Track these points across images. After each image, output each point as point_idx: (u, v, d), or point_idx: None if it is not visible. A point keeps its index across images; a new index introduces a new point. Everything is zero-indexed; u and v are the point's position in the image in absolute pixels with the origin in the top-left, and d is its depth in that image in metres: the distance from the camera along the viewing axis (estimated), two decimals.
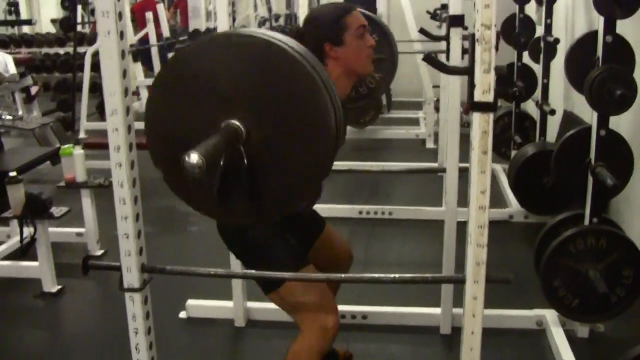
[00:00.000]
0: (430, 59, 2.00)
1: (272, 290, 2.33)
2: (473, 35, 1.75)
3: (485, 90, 1.77)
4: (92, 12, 11.90)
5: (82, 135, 7.66)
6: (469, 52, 1.81)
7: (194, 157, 1.50)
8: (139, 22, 10.19)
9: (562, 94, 5.51)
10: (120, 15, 1.93)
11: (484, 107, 1.79)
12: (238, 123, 1.69)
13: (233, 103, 1.70)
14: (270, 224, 2.31)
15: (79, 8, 10.07)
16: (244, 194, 1.76)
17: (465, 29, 3.21)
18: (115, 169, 2.04)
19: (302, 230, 2.56)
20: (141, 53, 9.39)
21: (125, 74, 1.99)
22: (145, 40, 9.44)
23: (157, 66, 9.17)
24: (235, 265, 3.11)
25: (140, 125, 1.80)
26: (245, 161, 1.70)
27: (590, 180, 3.02)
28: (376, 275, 2.22)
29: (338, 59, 2.30)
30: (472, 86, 1.79)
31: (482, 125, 1.81)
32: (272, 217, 2.00)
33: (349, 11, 2.32)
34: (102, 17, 1.93)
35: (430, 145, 7.32)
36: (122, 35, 1.96)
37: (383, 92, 3.00)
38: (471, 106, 1.80)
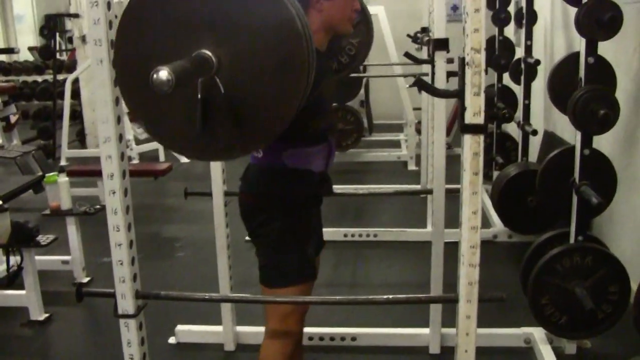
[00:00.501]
0: (421, 83, 2.03)
1: (275, 286, 2.33)
2: (463, 59, 1.78)
3: (475, 113, 1.81)
4: (70, 40, 11.90)
5: (63, 162, 7.62)
6: (458, 75, 1.84)
7: (162, 73, 1.47)
8: None
9: (542, 114, 5.60)
10: (112, 43, 1.95)
11: (474, 129, 1.82)
12: (209, 52, 1.66)
13: (203, 32, 1.68)
14: (298, 222, 2.33)
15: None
16: (226, 124, 1.75)
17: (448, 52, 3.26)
18: (109, 196, 2.05)
19: (316, 242, 2.55)
20: None
21: (117, 101, 2.00)
22: None
23: None
24: (228, 289, 3.11)
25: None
26: (222, 89, 1.68)
27: (575, 198, 3.07)
28: (370, 297, 2.26)
29: (322, 11, 2.26)
30: (462, 108, 1.82)
31: (472, 146, 1.84)
32: (257, 145, 1.99)
33: None
34: (95, 45, 1.94)
35: (411, 167, 7.38)
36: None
37: (364, 57, 3.00)
38: (462, 128, 1.84)
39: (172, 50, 1.69)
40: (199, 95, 1.68)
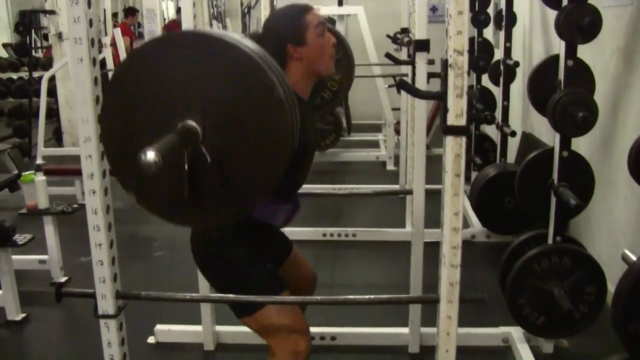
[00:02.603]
0: (404, 84, 2.04)
1: (247, 314, 2.31)
2: (446, 61, 1.79)
3: (457, 114, 1.82)
4: (45, 37, 11.81)
5: (39, 161, 7.55)
6: (441, 77, 1.85)
7: (150, 154, 1.50)
8: None
9: (520, 116, 5.64)
10: (92, 42, 1.94)
11: (456, 131, 1.83)
12: (194, 123, 1.67)
13: (188, 104, 1.68)
14: (246, 247, 2.31)
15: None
16: (214, 192, 1.75)
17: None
18: (89, 195, 2.04)
19: (273, 251, 2.56)
20: None
21: (97, 100, 1.99)
22: None
23: None
24: (208, 289, 3.10)
25: None
26: (208, 158, 1.69)
27: (553, 200, 3.09)
28: (352, 297, 2.25)
29: (301, 59, 2.26)
30: (445, 110, 1.83)
31: (454, 148, 1.85)
32: (246, 210, 1.98)
33: (307, 9, 2.29)
34: (75, 43, 1.93)
35: (390, 167, 7.40)
36: (94, 62, 1.96)
37: (346, 92, 3.02)
38: (444, 130, 1.85)
39: (158, 121, 1.70)
40: (185, 166, 1.70)
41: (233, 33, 1.78)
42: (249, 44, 1.72)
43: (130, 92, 1.75)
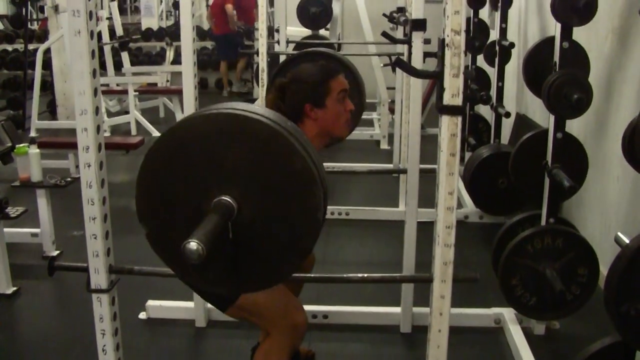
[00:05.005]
0: (401, 63, 2.03)
1: (230, 303, 2.29)
2: (443, 40, 1.79)
3: (454, 94, 1.81)
4: (41, 9, 11.72)
5: (33, 133, 7.51)
6: (437, 56, 1.85)
7: (192, 245, 1.47)
8: (216, 19, 10.47)
9: (515, 97, 5.64)
10: (90, 15, 1.92)
11: (452, 110, 1.83)
12: (230, 200, 1.65)
13: (227, 179, 1.67)
14: None
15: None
16: (225, 266, 1.74)
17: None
18: (84, 169, 2.03)
19: None
20: (220, 49, 10.72)
21: (95, 73, 1.98)
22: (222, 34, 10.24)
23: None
24: None
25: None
26: (231, 235, 1.68)
27: (547, 181, 3.10)
28: (345, 275, 2.25)
29: (317, 119, 2.34)
30: (441, 89, 1.83)
31: (450, 127, 1.85)
32: (250, 290, 2.01)
33: (334, 75, 2.36)
34: (73, 16, 1.92)
35: (384, 146, 7.41)
36: (92, 35, 1.95)
37: (354, 126, 3.05)
38: (440, 109, 1.84)
39: (193, 194, 1.69)
40: (230, 235, 1.68)
41: (273, 113, 1.74)
42: (289, 128, 1.69)
43: (169, 160, 1.72)
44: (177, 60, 9.55)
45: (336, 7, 7.64)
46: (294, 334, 2.31)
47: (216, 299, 2.36)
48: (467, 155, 5.25)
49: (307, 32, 6.96)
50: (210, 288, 1.99)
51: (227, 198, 1.65)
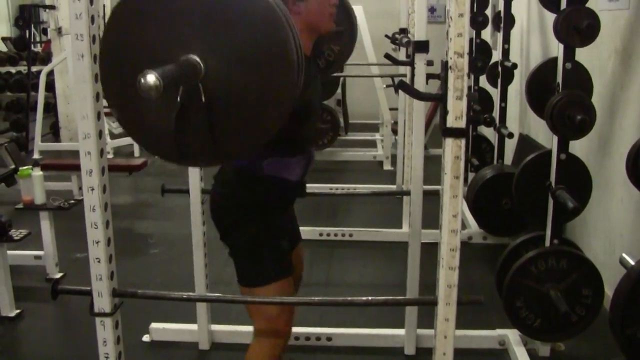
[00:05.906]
0: (404, 86, 2.04)
1: (250, 285, 2.34)
2: (446, 63, 1.79)
3: (457, 116, 1.81)
4: (45, 31, 11.77)
5: (36, 155, 7.54)
6: (441, 78, 1.85)
7: (150, 77, 1.44)
8: None
9: (518, 118, 5.64)
10: (93, 38, 1.93)
11: (456, 133, 1.83)
12: (197, 58, 1.63)
13: (193, 38, 1.64)
14: (267, 221, 2.34)
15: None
16: (201, 133, 1.71)
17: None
18: (87, 192, 2.03)
19: (289, 233, 2.56)
20: None
21: (98, 96, 1.98)
22: None
23: None
24: (204, 287, 3.09)
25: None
26: (203, 98, 1.65)
27: (551, 202, 3.09)
28: (349, 298, 2.25)
29: (300, 13, 2.25)
30: (444, 112, 1.83)
31: (454, 150, 1.85)
32: (229, 158, 1.98)
33: None
34: (76, 40, 1.92)
35: (387, 167, 7.40)
36: (95, 59, 1.95)
37: (340, 65, 3.00)
38: (443, 132, 1.84)
39: (159, 52, 1.66)
40: (178, 98, 1.66)
41: None
42: None
43: (132, 23, 1.69)
44: None
45: None
46: (275, 340, 2.35)
47: (246, 274, 2.38)
48: (471, 175, 5.25)
49: None
50: (190, 160, 1.93)
51: (193, 56, 1.63)
